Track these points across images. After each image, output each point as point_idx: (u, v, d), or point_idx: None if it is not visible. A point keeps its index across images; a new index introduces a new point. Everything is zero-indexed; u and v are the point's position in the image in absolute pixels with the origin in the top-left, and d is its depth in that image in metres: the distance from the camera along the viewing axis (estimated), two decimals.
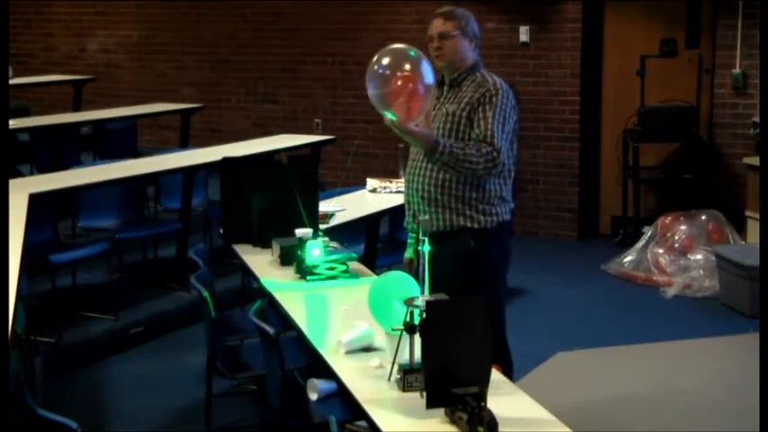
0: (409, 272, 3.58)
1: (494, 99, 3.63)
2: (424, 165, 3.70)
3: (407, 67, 3.30)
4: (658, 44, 7.37)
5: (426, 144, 3.48)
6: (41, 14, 10.68)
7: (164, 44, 9.98)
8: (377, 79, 3.33)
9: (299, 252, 3.79)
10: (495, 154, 3.54)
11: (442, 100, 3.76)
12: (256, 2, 9.37)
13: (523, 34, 8.02)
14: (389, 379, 2.67)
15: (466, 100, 3.66)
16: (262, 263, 4.02)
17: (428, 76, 3.33)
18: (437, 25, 3.75)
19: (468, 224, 3.66)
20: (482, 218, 3.67)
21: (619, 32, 7.95)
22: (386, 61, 3.33)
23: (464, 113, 3.64)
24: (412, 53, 3.36)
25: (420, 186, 3.72)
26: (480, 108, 3.62)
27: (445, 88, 3.77)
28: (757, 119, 7.20)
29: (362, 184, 5.94)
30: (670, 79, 7.66)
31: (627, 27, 7.92)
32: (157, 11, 9.97)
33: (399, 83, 3.28)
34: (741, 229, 6.96)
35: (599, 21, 8.01)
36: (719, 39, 7.52)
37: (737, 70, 7.44)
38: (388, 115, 3.34)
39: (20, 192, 4.85)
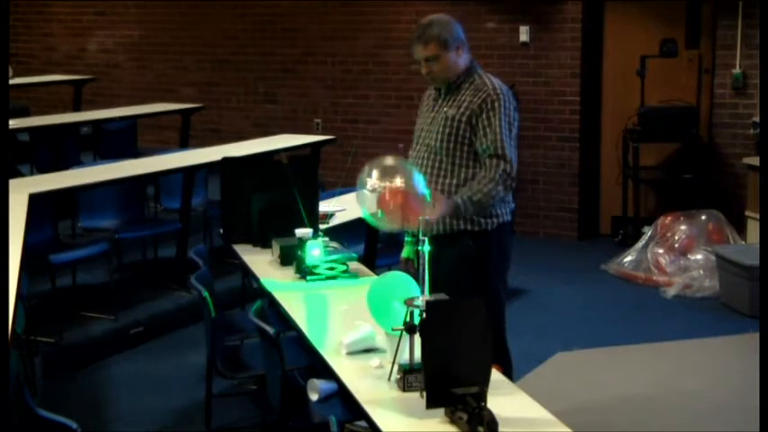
0: (406, 271, 3.58)
1: (496, 105, 3.61)
2: (426, 170, 3.71)
3: (398, 181, 3.23)
4: (658, 44, 7.37)
5: (449, 213, 3.52)
6: (41, 14, 10.68)
7: (164, 44, 9.98)
8: (367, 201, 3.24)
9: (299, 252, 3.79)
10: (508, 168, 3.56)
11: (440, 102, 3.75)
12: (256, 2, 9.37)
13: (523, 34, 8.02)
14: (389, 379, 2.67)
15: (465, 104, 3.65)
16: (262, 263, 4.02)
17: (420, 186, 3.27)
18: (419, 51, 3.68)
19: (468, 227, 3.66)
20: (482, 220, 3.66)
21: (619, 32, 7.95)
22: (372, 179, 3.23)
23: (464, 118, 3.64)
24: (404, 166, 3.29)
25: None
26: (484, 115, 3.60)
27: (443, 92, 3.75)
28: (757, 119, 7.19)
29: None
30: (670, 79, 7.66)
31: (627, 27, 7.92)
32: (157, 11, 9.98)
33: (388, 198, 3.21)
34: (741, 229, 6.96)
35: (599, 21, 8.01)
36: (719, 39, 7.52)
37: (737, 70, 7.44)
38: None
39: (20, 192, 4.85)
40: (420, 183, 3.27)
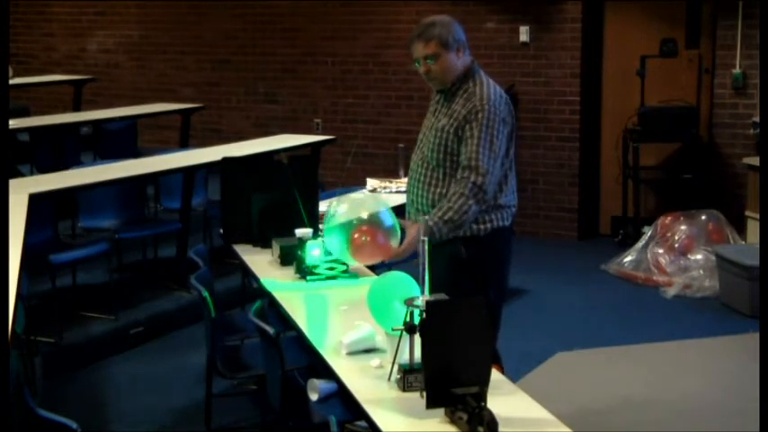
0: None
1: (480, 116, 3.58)
2: (420, 178, 3.73)
3: (365, 215, 3.31)
4: (658, 44, 7.37)
5: (424, 236, 3.49)
6: (41, 14, 10.68)
7: (164, 44, 9.98)
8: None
9: (299, 252, 3.79)
10: (479, 181, 3.54)
11: (438, 107, 3.75)
12: (256, 2, 9.37)
13: (523, 34, 8.02)
14: (389, 379, 2.67)
15: (455, 114, 3.64)
16: (262, 263, 4.02)
17: (388, 220, 3.37)
18: (419, 49, 3.67)
19: (460, 233, 3.65)
20: (474, 226, 3.65)
21: (619, 32, 7.95)
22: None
23: (452, 129, 3.63)
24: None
25: (416, 199, 3.75)
26: (467, 126, 3.60)
27: (441, 100, 3.75)
28: (757, 119, 7.20)
29: (362, 184, 5.94)
30: (670, 79, 7.66)
31: (627, 27, 7.92)
32: (157, 11, 9.98)
33: (356, 235, 3.30)
34: (741, 229, 6.96)
35: (599, 21, 8.01)
36: (719, 39, 7.52)
37: (737, 70, 7.44)
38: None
39: (20, 192, 4.85)
40: (387, 216, 3.29)
